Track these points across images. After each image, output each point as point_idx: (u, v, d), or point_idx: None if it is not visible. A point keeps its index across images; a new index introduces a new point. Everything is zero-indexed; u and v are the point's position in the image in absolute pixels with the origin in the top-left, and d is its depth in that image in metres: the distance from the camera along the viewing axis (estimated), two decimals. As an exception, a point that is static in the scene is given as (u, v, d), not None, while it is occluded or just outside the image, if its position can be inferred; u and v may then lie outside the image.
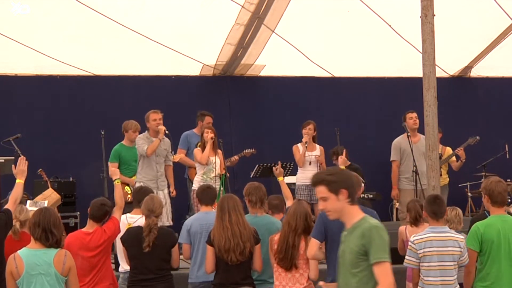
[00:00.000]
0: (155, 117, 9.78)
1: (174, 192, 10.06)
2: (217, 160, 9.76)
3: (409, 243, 6.18)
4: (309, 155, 10.47)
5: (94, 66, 11.80)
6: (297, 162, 10.46)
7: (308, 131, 10.48)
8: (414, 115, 10.62)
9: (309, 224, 6.37)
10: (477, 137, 11.29)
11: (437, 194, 6.41)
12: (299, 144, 10.55)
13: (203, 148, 9.70)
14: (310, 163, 10.39)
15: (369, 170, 11.52)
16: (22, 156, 6.74)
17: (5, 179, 9.40)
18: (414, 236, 6.22)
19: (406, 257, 6.17)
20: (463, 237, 6.10)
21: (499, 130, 12.79)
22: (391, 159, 10.93)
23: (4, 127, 11.11)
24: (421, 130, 9.76)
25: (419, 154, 10.28)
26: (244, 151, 11.03)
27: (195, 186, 9.64)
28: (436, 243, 6.06)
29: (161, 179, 9.70)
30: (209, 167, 9.69)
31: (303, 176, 10.37)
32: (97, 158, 10.02)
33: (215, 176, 9.68)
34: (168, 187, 9.93)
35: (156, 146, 9.61)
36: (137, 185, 9.27)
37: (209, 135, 9.72)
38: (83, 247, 6.56)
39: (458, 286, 6.12)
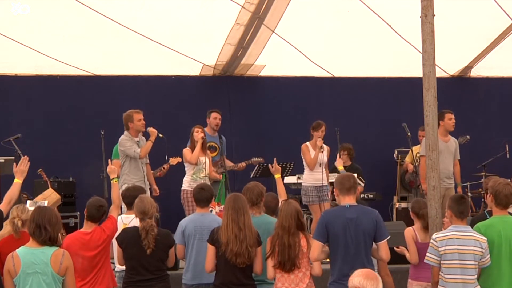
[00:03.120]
0: (139, 117, 9.62)
1: (158, 190, 10.04)
2: (206, 161, 9.76)
3: (431, 241, 6.20)
4: (320, 156, 10.24)
5: (94, 66, 11.81)
6: (307, 164, 10.26)
7: (321, 134, 10.26)
8: (453, 116, 10.38)
9: (301, 221, 6.38)
10: (468, 136, 11.23)
11: (461, 194, 6.42)
12: (308, 144, 10.35)
13: (193, 148, 9.72)
14: (320, 165, 10.26)
15: (369, 170, 11.53)
16: (26, 156, 6.73)
17: (5, 179, 9.41)
18: (436, 234, 6.23)
19: (427, 254, 6.18)
20: (485, 238, 6.09)
21: (499, 130, 12.79)
22: (422, 154, 10.59)
23: (4, 127, 11.12)
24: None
25: (449, 153, 10.15)
26: (252, 159, 10.93)
27: (185, 186, 9.72)
28: (457, 241, 6.06)
29: (146, 179, 9.70)
30: (198, 167, 9.72)
31: (311, 177, 10.26)
32: (97, 158, 10.00)
33: (204, 176, 9.69)
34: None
35: (149, 149, 9.57)
36: (125, 186, 8.98)
37: (199, 134, 9.72)
38: (84, 247, 6.53)
39: (479, 286, 6.11)
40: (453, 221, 6.24)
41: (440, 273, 6.14)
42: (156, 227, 6.54)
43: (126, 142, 9.54)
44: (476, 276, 6.09)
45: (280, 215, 6.40)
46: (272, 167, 7.98)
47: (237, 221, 6.32)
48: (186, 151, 9.83)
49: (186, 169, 9.88)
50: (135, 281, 6.49)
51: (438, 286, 6.18)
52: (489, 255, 6.10)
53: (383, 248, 6.20)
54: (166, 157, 10.17)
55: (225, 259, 6.34)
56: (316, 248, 6.16)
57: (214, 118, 10.62)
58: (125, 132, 9.65)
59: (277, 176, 7.86)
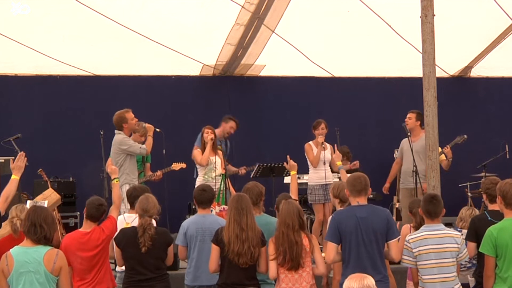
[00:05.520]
0: (132, 116, 9.68)
1: None
2: (217, 160, 9.74)
3: (405, 243, 6.20)
4: (322, 154, 10.33)
5: (94, 66, 11.80)
6: (310, 162, 10.34)
7: (321, 131, 10.38)
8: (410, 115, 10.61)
9: (303, 219, 6.37)
10: (465, 136, 11.24)
11: (435, 194, 6.37)
12: (311, 143, 10.43)
13: (204, 149, 9.70)
14: (324, 163, 10.31)
15: (369, 170, 11.48)
16: (22, 152, 6.72)
17: (5, 179, 9.40)
18: (409, 236, 6.24)
19: (403, 256, 6.18)
20: (459, 233, 6.11)
21: (499, 130, 12.78)
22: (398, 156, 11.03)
23: (4, 127, 11.12)
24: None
25: (416, 153, 10.24)
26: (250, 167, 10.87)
27: None
28: (431, 241, 6.07)
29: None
30: (209, 167, 9.69)
31: (317, 176, 10.30)
32: (97, 158, 10.00)
33: (216, 176, 9.65)
34: None
35: (152, 144, 9.57)
36: (127, 186, 9.03)
37: (209, 135, 9.71)
38: (82, 247, 6.51)
39: (459, 284, 6.10)
40: (425, 221, 6.25)
41: (418, 274, 6.15)
42: (154, 226, 6.55)
43: (129, 141, 9.57)
44: (455, 273, 6.09)
45: (281, 214, 6.38)
46: (287, 164, 7.94)
47: (239, 221, 6.31)
48: (196, 152, 9.78)
49: (197, 170, 9.87)
50: (135, 280, 6.49)
51: (418, 287, 6.18)
52: (466, 250, 6.09)
53: (393, 248, 6.15)
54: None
55: (229, 259, 6.34)
56: (331, 250, 6.13)
57: (231, 127, 10.62)
58: (120, 132, 9.65)
59: (293, 172, 7.81)
